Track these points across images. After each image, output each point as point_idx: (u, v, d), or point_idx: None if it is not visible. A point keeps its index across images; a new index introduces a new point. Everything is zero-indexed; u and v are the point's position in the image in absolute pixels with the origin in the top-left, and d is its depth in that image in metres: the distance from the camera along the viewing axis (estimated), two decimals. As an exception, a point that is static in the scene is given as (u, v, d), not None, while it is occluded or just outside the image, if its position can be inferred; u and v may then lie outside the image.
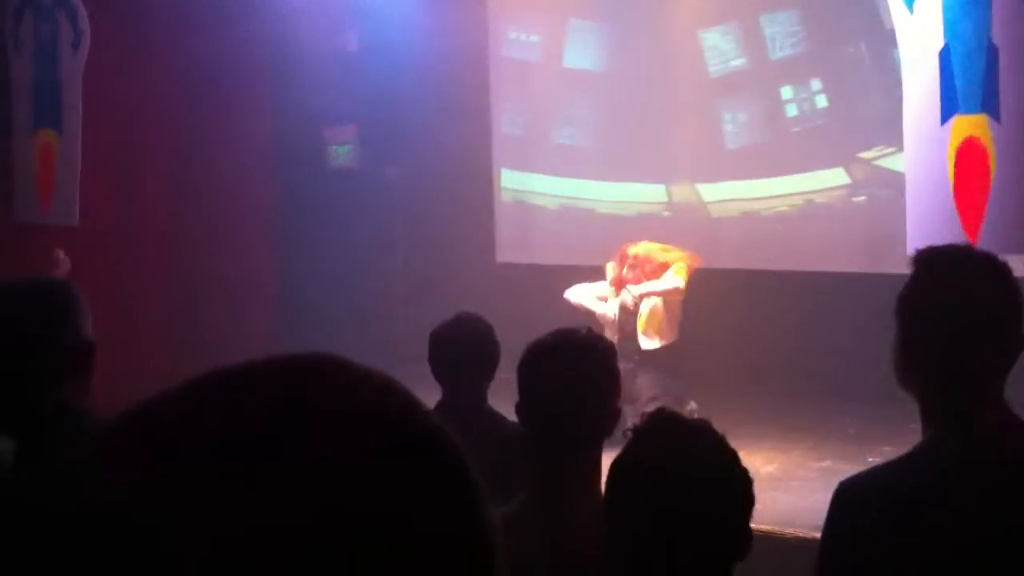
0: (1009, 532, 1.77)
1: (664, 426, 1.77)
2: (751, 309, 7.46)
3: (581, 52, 8.49)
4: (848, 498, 1.87)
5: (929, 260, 1.89)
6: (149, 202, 7.65)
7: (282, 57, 8.08)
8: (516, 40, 8.71)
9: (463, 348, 3.23)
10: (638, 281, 6.49)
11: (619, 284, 6.58)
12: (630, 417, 6.07)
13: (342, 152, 8.56)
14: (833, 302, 6.94)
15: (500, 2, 8.71)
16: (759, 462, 5.97)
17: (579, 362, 2.18)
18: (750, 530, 1.74)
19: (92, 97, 6.59)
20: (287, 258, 8.34)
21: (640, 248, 6.64)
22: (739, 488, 1.71)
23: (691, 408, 6.03)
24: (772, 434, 6.46)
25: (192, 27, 7.37)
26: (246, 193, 7.98)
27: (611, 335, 6.16)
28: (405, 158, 8.72)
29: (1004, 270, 1.86)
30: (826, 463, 5.82)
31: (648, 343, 6.44)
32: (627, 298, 6.49)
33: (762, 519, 4.95)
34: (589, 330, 2.41)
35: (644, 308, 6.47)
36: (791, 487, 5.50)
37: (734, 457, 1.74)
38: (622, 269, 6.58)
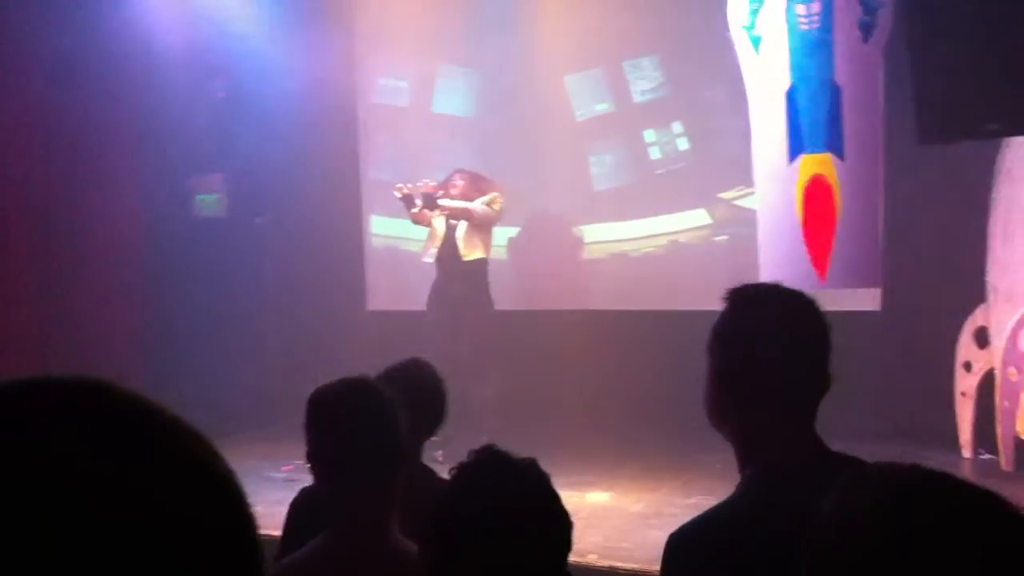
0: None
1: (488, 464, 1.75)
2: (622, 350, 7.55)
3: (450, 98, 8.53)
4: (679, 549, 1.86)
5: (741, 296, 1.92)
6: (9, 251, 7.40)
7: (148, 105, 7.93)
8: (385, 86, 8.72)
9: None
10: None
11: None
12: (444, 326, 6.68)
13: (209, 201, 8.42)
14: (700, 341, 7.04)
15: (369, 48, 8.72)
16: (628, 501, 6.01)
17: (371, 405, 2.23)
18: (569, 573, 1.73)
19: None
20: (155, 308, 8.14)
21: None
22: (559, 530, 1.70)
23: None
24: (641, 473, 6.51)
25: (57, 77, 7.20)
26: (111, 241, 7.78)
27: (435, 244, 7.06)
28: (274, 206, 8.63)
29: (812, 305, 1.90)
30: (693, 499, 5.87)
31: (471, 254, 7.02)
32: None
33: (631, 558, 5.01)
34: (364, 378, 2.42)
35: (462, 227, 7.05)
36: (660, 524, 5.52)
37: (555, 498, 1.73)
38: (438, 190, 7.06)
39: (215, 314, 8.06)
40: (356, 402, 2.24)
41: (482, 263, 7.09)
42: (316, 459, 2.25)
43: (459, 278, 7.02)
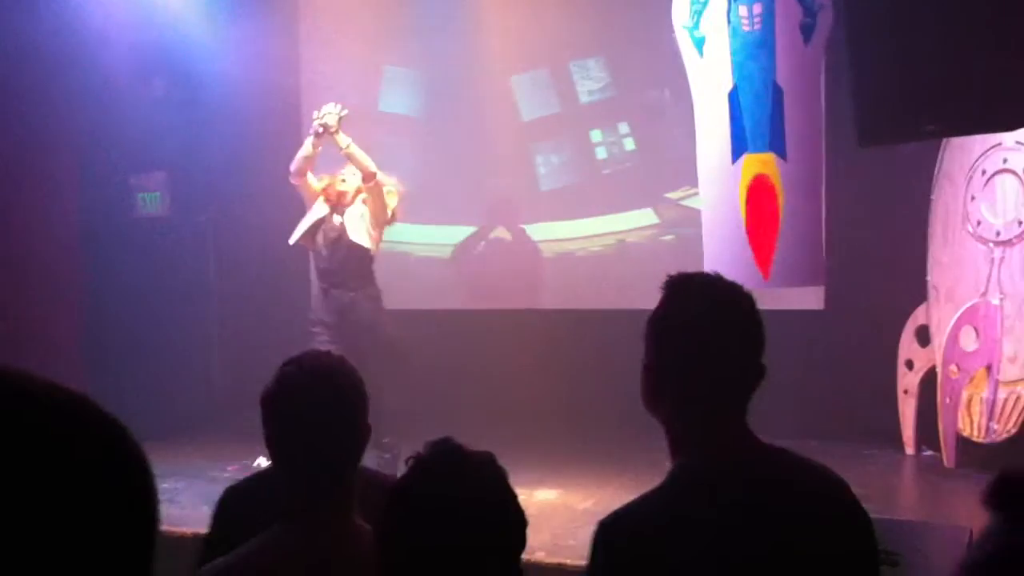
0: (762, 555, 1.81)
1: (444, 456, 1.74)
2: (569, 349, 7.58)
3: (396, 97, 8.51)
4: (608, 535, 1.87)
5: (679, 285, 1.93)
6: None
7: (88, 102, 7.81)
8: (330, 84, 8.66)
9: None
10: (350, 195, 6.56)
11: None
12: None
13: (150, 199, 8.32)
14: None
15: (313, 46, 8.66)
16: (576, 499, 6.04)
17: (328, 388, 2.17)
18: (521, 570, 1.74)
19: None
20: (96, 306, 8.03)
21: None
22: (513, 525, 1.71)
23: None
24: (589, 471, 6.54)
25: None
26: (50, 240, 7.66)
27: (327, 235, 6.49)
28: (217, 204, 8.54)
29: (748, 298, 1.92)
30: (641, 497, 5.91)
31: (360, 240, 6.51)
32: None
33: (580, 555, 5.01)
34: (328, 354, 2.38)
35: (355, 212, 6.57)
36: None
37: (510, 493, 1.73)
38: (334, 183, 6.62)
39: (158, 313, 7.97)
40: (325, 380, 2.18)
41: (368, 255, 6.61)
42: (280, 442, 2.17)
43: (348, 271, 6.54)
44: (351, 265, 6.51)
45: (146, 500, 0.75)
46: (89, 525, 0.70)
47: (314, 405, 2.14)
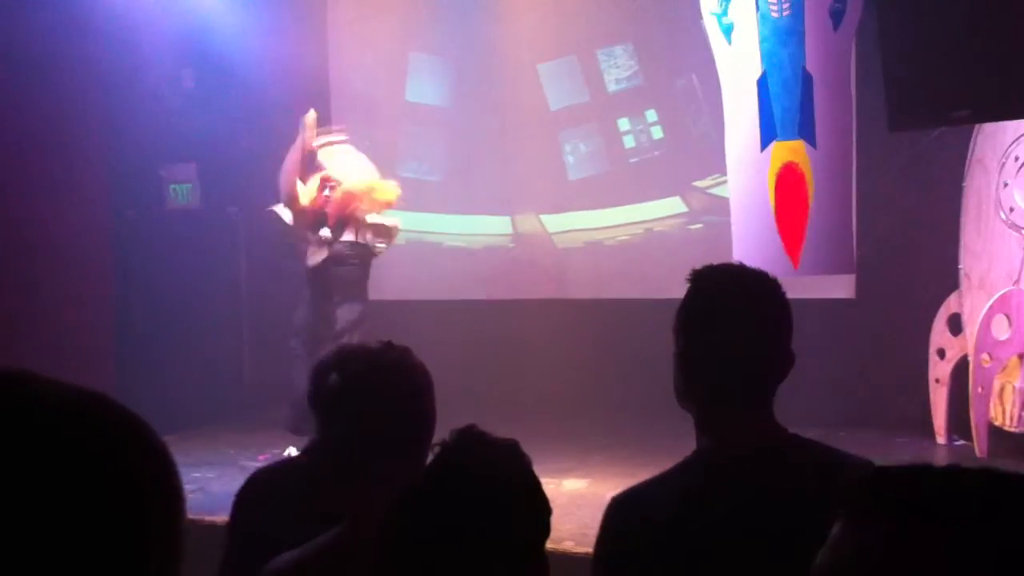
0: (774, 540, 1.81)
1: (469, 445, 1.74)
2: (598, 338, 7.56)
3: (423, 86, 8.51)
4: (619, 513, 1.88)
5: (705, 276, 1.94)
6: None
7: (118, 95, 7.86)
8: (358, 74, 8.68)
9: None
10: (346, 205, 6.39)
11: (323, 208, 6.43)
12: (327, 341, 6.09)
13: (182, 191, 8.36)
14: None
15: (340, 36, 8.68)
16: (605, 488, 6.02)
17: (411, 380, 2.13)
18: (546, 559, 1.73)
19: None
20: (127, 299, 8.09)
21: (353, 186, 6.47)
22: (537, 512, 1.70)
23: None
24: (618, 460, 6.53)
25: (21, 69, 7.12)
26: (81, 232, 7.72)
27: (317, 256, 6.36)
28: (248, 196, 8.57)
29: (775, 286, 1.92)
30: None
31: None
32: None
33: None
34: (399, 347, 2.34)
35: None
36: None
37: (534, 480, 1.73)
38: (322, 191, 6.44)
39: (189, 305, 8.02)
40: (394, 371, 2.12)
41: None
42: (344, 438, 2.11)
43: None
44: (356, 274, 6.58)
45: (168, 494, 0.76)
46: (106, 522, 0.71)
47: (390, 399, 2.09)
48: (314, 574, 2.07)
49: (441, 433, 1.76)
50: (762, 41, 4.55)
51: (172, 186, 8.36)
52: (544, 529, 1.71)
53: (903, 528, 0.84)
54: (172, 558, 0.74)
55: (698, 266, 1.95)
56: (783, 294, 1.92)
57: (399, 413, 2.10)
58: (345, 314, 6.50)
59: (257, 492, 2.52)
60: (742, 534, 1.80)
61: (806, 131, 4.48)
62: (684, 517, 1.82)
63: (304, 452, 2.64)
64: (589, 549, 4.90)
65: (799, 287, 1.94)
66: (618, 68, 7.90)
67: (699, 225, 7.64)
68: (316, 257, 6.49)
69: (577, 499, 5.72)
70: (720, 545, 1.80)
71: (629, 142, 7.90)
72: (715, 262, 2.00)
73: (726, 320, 1.89)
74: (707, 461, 1.88)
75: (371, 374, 2.15)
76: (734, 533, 1.80)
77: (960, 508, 0.83)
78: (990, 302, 6.29)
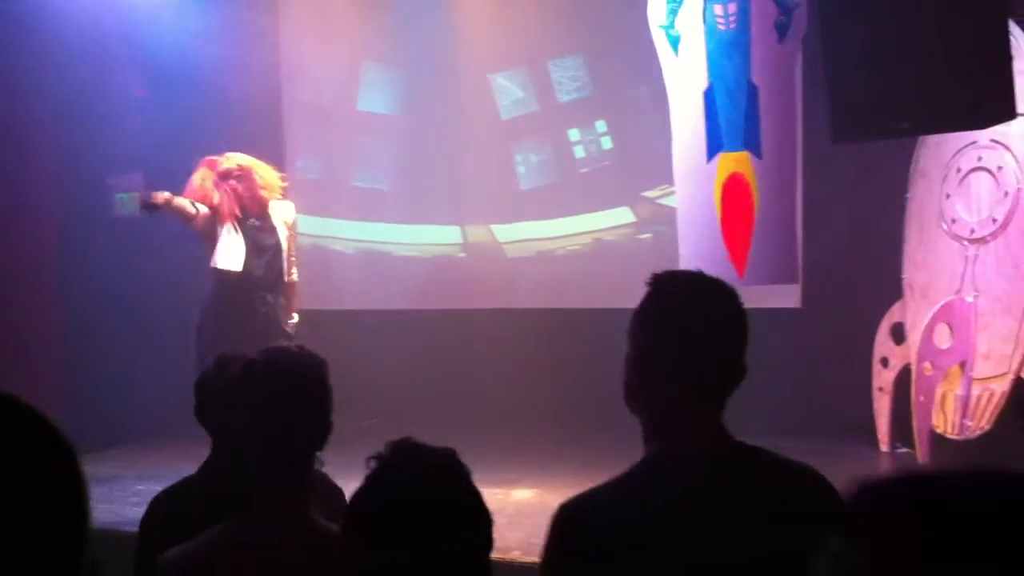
0: (724, 543, 1.83)
1: (404, 455, 1.74)
2: (547, 348, 7.59)
3: (375, 96, 8.50)
4: (567, 519, 1.88)
5: (666, 280, 1.95)
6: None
7: (64, 102, 7.77)
8: (310, 83, 8.66)
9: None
10: (250, 194, 6.31)
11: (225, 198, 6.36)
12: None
13: (127, 200, 8.26)
14: (625, 338, 7.11)
15: (293, 45, 8.64)
16: (554, 498, 6.01)
17: (296, 382, 2.19)
18: (490, 569, 1.74)
19: None
20: (72, 308, 7.98)
21: (243, 160, 6.38)
22: (477, 521, 1.71)
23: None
24: (567, 470, 6.54)
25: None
26: (25, 241, 7.62)
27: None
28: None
29: (733, 295, 1.94)
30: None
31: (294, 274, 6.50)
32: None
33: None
34: (300, 347, 2.40)
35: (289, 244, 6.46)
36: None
37: (472, 489, 1.73)
38: (225, 178, 6.38)
39: (136, 314, 7.94)
40: (287, 374, 2.20)
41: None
42: (233, 436, 2.22)
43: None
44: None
45: (71, 494, 0.77)
46: (6, 519, 0.72)
47: (275, 397, 2.16)
48: (204, 563, 2.11)
49: (378, 447, 1.77)
50: (708, 53, 4.60)
51: (118, 195, 8.26)
52: (485, 539, 1.71)
53: (918, 542, 0.85)
54: (75, 555, 0.75)
55: (657, 271, 1.96)
56: (741, 304, 1.94)
57: (282, 413, 2.16)
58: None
59: (157, 517, 2.60)
60: (692, 537, 1.81)
61: (751, 142, 4.53)
62: (633, 521, 1.82)
63: (199, 471, 2.72)
64: (536, 559, 4.92)
65: (745, 297, 1.95)
66: (569, 79, 7.95)
67: (648, 235, 7.71)
68: (235, 253, 6.42)
69: (525, 509, 5.72)
70: (670, 548, 1.81)
71: (579, 152, 7.95)
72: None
73: (687, 323, 1.89)
74: (656, 464, 1.89)
75: (249, 380, 2.22)
76: (684, 536, 1.81)
77: (976, 517, 0.84)
78: (932, 311, 6.39)
